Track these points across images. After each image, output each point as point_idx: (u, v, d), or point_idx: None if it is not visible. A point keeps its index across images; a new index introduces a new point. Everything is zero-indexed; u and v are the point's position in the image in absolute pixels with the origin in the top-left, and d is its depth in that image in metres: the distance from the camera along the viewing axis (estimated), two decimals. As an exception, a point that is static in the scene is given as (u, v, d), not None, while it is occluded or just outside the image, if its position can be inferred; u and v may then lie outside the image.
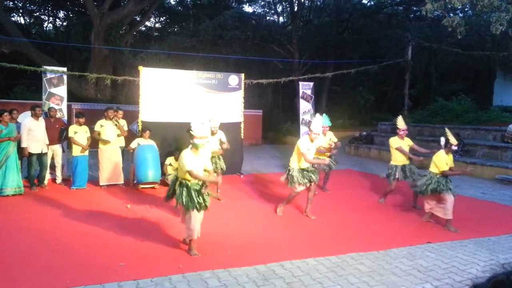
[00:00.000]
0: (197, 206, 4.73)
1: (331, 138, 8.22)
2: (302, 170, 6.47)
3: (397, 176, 7.33)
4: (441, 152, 6.22)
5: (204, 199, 4.81)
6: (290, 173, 6.49)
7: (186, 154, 4.75)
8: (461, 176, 10.22)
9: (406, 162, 7.34)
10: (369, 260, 4.75)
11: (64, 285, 3.89)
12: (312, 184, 6.52)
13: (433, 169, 6.26)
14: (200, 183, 4.82)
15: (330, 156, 8.17)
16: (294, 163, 6.51)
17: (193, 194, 4.72)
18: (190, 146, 4.82)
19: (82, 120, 8.26)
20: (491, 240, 5.61)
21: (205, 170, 4.99)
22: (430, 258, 4.87)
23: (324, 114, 8.41)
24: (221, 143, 7.67)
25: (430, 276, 4.34)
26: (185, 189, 4.76)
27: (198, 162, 4.80)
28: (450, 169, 6.24)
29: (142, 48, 19.93)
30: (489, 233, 5.90)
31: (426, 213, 6.46)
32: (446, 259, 4.83)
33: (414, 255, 4.95)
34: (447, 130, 6.36)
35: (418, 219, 6.55)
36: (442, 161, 6.16)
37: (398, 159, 7.38)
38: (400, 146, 7.30)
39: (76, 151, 8.10)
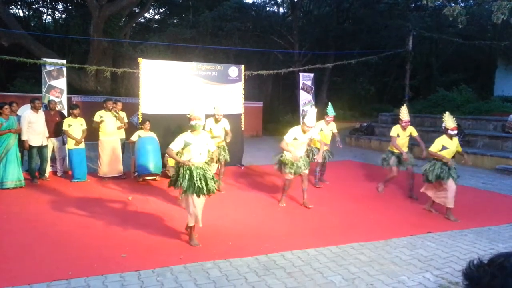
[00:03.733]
0: (197, 190, 4.75)
1: (332, 129, 8.20)
2: None
3: (390, 163, 7.34)
4: (443, 136, 6.19)
5: (207, 184, 4.83)
6: (282, 158, 6.51)
7: (181, 136, 4.91)
8: (462, 166, 10.27)
9: (404, 150, 7.30)
10: (369, 250, 4.77)
11: (66, 276, 3.91)
12: (303, 174, 6.53)
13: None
14: (204, 166, 4.94)
15: (328, 149, 8.16)
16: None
17: (195, 178, 4.75)
18: (190, 130, 4.93)
19: (76, 111, 8.13)
20: (491, 230, 5.63)
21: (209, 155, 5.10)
22: (430, 247, 4.89)
23: (329, 104, 8.33)
24: (226, 133, 7.67)
25: (430, 266, 4.37)
26: (188, 172, 4.80)
27: (198, 143, 4.88)
28: (461, 154, 6.31)
29: (142, 40, 19.83)
30: (489, 222, 5.91)
31: (428, 201, 6.45)
32: (446, 249, 4.85)
33: (414, 244, 4.97)
34: (445, 114, 6.25)
35: (418, 209, 6.56)
36: (437, 142, 6.15)
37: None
38: (395, 136, 7.28)
39: (70, 144, 8.06)
